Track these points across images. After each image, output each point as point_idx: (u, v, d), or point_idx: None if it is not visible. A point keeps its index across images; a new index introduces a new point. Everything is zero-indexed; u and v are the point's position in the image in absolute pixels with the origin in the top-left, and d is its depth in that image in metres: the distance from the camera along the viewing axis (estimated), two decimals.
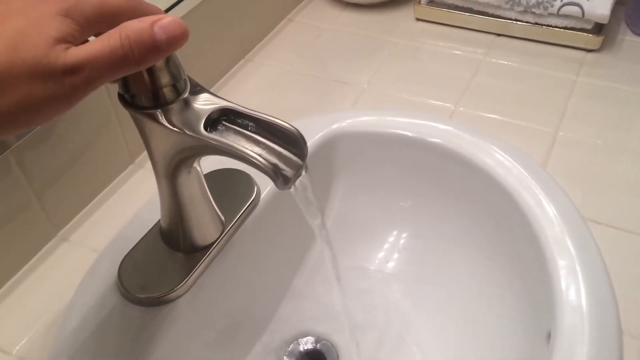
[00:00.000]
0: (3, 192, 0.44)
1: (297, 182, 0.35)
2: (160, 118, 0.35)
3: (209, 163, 0.48)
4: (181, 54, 0.36)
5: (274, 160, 0.34)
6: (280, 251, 0.53)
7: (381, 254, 0.55)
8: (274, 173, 0.34)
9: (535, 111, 0.57)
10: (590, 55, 0.64)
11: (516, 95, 0.60)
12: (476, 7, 0.68)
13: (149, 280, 0.43)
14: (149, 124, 0.35)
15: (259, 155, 0.34)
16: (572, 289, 0.41)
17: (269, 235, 0.51)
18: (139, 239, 0.45)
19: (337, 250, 0.43)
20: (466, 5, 0.68)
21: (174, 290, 0.42)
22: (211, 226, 0.45)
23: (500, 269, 0.49)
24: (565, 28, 0.64)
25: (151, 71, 0.33)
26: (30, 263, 0.47)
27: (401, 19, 0.73)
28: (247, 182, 0.49)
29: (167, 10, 0.53)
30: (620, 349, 0.39)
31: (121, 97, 0.35)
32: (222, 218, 0.46)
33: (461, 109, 0.58)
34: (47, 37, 0.25)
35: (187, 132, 0.34)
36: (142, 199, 0.51)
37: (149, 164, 0.55)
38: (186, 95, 0.35)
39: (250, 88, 0.64)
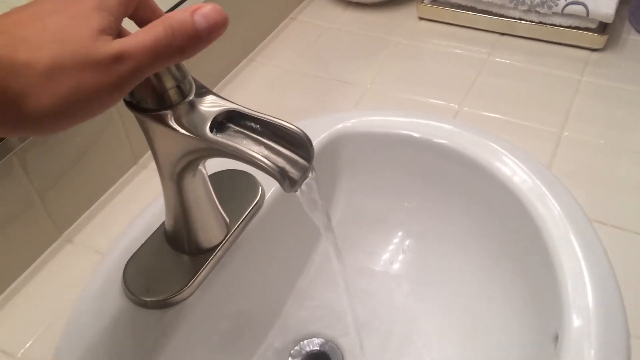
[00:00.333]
0: (6, 194, 0.44)
1: (304, 185, 0.35)
2: (165, 120, 0.34)
3: (213, 164, 0.48)
4: None
5: (280, 162, 0.34)
6: (284, 252, 0.53)
7: (386, 255, 0.55)
8: (281, 176, 0.34)
9: (540, 111, 0.57)
10: (594, 55, 0.64)
11: (520, 95, 0.59)
12: (480, 6, 0.68)
13: (154, 283, 0.43)
14: (155, 127, 0.35)
15: (265, 157, 0.34)
16: (579, 290, 0.41)
17: (273, 237, 0.51)
18: (143, 241, 0.45)
19: (342, 251, 0.42)
20: (470, 4, 0.68)
21: (180, 293, 0.42)
22: (216, 228, 0.44)
23: (505, 270, 0.49)
24: (569, 27, 0.64)
25: (153, 74, 0.33)
26: (34, 265, 0.47)
27: (404, 18, 0.73)
28: (251, 184, 0.49)
29: (173, 9, 0.53)
30: (628, 351, 0.39)
31: (126, 100, 0.35)
32: (227, 220, 0.46)
33: (465, 109, 0.58)
34: (90, 29, 0.26)
35: (192, 134, 0.34)
36: (146, 200, 0.50)
37: (152, 165, 0.55)
38: (192, 97, 0.35)
39: (252, 88, 0.64)
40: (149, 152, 0.56)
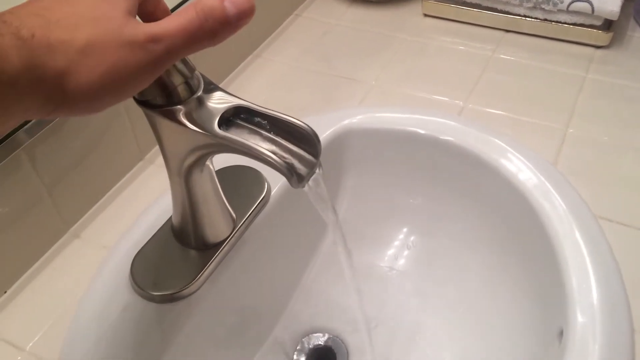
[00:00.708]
0: (15, 189, 0.44)
1: (311, 180, 0.36)
2: (174, 116, 0.35)
3: (220, 160, 0.48)
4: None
5: (288, 158, 0.34)
6: (290, 248, 0.54)
7: (391, 251, 0.56)
8: (289, 171, 0.34)
9: (545, 108, 0.57)
10: (599, 52, 0.64)
11: (525, 92, 0.60)
12: (485, 3, 0.68)
13: (162, 277, 0.43)
14: (163, 122, 0.35)
15: (273, 153, 0.34)
16: (584, 287, 0.41)
17: (279, 232, 0.51)
18: (150, 236, 0.46)
19: (349, 247, 0.43)
20: (475, 1, 0.68)
21: (187, 288, 0.42)
22: (223, 224, 0.45)
23: (510, 266, 0.49)
24: (574, 24, 0.64)
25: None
26: (41, 259, 0.47)
27: (408, 14, 0.73)
28: (257, 179, 0.50)
29: (174, 10, 0.53)
30: (632, 347, 0.39)
31: (134, 97, 0.35)
32: (234, 215, 0.46)
33: (470, 105, 0.58)
34: (119, 11, 0.27)
35: (200, 130, 0.35)
36: (153, 195, 0.51)
37: (159, 160, 0.56)
38: (200, 93, 0.35)
39: (258, 84, 0.64)
40: (156, 148, 0.57)
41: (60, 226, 0.49)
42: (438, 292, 0.52)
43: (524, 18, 0.66)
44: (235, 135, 0.35)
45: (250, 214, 0.47)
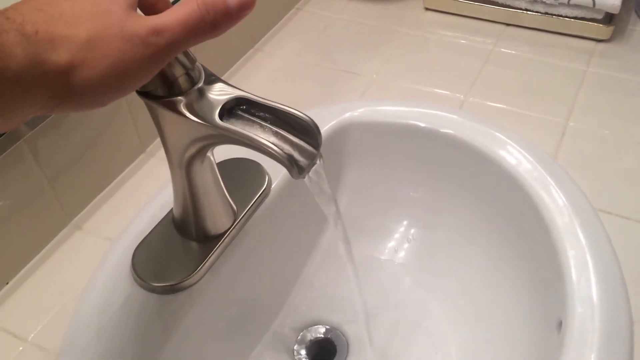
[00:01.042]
0: (17, 180, 0.44)
1: (312, 172, 0.36)
2: (175, 107, 0.35)
3: (220, 152, 0.48)
4: None
5: (288, 149, 0.35)
6: (291, 240, 0.54)
7: (391, 244, 0.56)
8: (289, 162, 0.34)
9: (546, 102, 0.57)
10: (600, 46, 0.64)
11: (526, 86, 0.60)
12: None
13: (163, 269, 0.43)
14: (165, 113, 0.35)
15: (273, 144, 0.34)
16: (583, 278, 0.41)
17: (280, 225, 0.51)
18: (152, 228, 0.46)
19: (349, 240, 0.43)
20: None
21: (188, 279, 0.43)
22: (223, 215, 0.45)
23: (510, 258, 0.49)
24: (575, 18, 0.64)
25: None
26: (43, 251, 0.48)
27: (410, 8, 0.73)
28: (258, 172, 0.50)
29: (174, 3, 0.53)
30: (631, 337, 0.39)
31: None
32: (234, 207, 0.46)
33: (471, 99, 0.58)
34: (121, 4, 0.27)
35: (201, 121, 0.35)
36: (154, 187, 0.51)
37: (160, 153, 0.56)
38: (201, 84, 0.35)
39: (259, 78, 0.64)
40: (157, 141, 0.57)
41: (62, 218, 0.49)
42: (438, 284, 0.53)
43: (525, 12, 0.66)
44: (236, 126, 0.35)
45: (251, 206, 0.47)
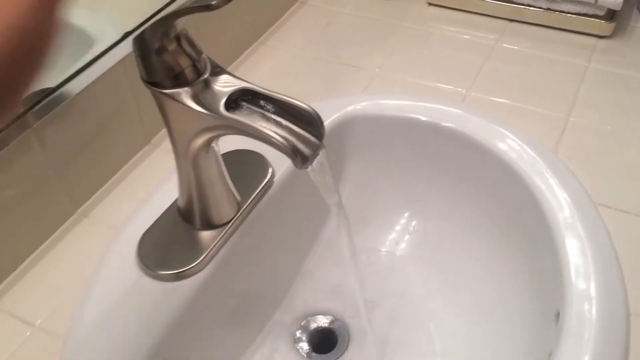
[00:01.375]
0: (24, 169, 0.45)
1: (315, 162, 0.36)
2: (181, 98, 0.36)
3: (225, 144, 0.49)
4: (195, 37, 0.37)
5: (292, 140, 0.35)
6: (293, 231, 0.54)
7: (392, 236, 0.56)
8: (293, 152, 0.35)
9: (547, 97, 0.58)
10: (602, 42, 0.65)
11: (528, 81, 0.60)
12: None
13: (167, 257, 0.44)
14: (171, 104, 0.36)
15: (277, 134, 0.35)
16: (581, 270, 0.42)
17: (283, 216, 0.52)
18: (157, 217, 0.46)
19: (350, 232, 0.43)
20: None
21: (192, 267, 0.43)
22: (227, 205, 0.46)
23: (510, 251, 0.50)
24: (577, 14, 0.65)
25: (169, 53, 0.34)
26: (50, 239, 0.48)
27: (413, 3, 0.73)
28: (261, 163, 0.50)
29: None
30: (627, 330, 0.40)
31: (144, 79, 0.36)
32: (238, 198, 0.47)
33: (473, 93, 0.59)
34: None
35: (207, 111, 0.35)
36: (158, 177, 0.51)
37: (164, 144, 0.56)
38: (207, 76, 0.36)
39: (262, 71, 0.65)
40: (161, 132, 0.57)
41: (68, 206, 0.50)
42: (439, 275, 0.53)
43: (527, 7, 0.66)
44: (241, 117, 0.36)
45: (254, 197, 0.48)
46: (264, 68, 0.65)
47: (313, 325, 0.54)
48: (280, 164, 0.51)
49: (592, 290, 0.41)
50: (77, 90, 0.47)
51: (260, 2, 0.68)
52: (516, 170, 0.49)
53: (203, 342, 0.47)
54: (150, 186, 0.51)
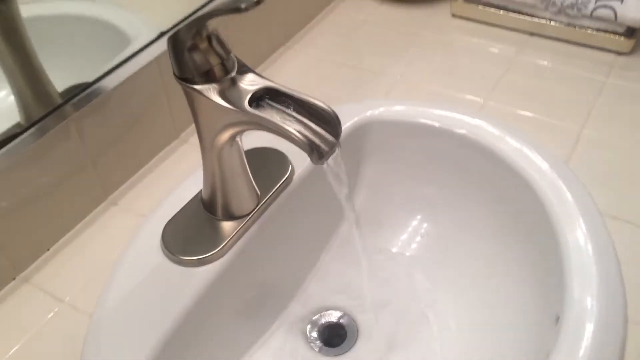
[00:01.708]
0: (63, 156, 0.48)
1: (330, 159, 0.39)
2: (209, 93, 0.38)
3: (249, 141, 0.52)
4: (227, 36, 0.39)
5: (310, 136, 0.38)
6: (310, 228, 0.57)
7: (404, 237, 0.59)
8: (310, 148, 0.37)
9: (563, 109, 0.59)
10: (621, 59, 0.66)
11: (545, 93, 0.62)
12: (511, 6, 0.70)
13: (189, 244, 0.47)
14: (199, 98, 0.39)
15: (297, 131, 0.37)
16: (584, 279, 0.43)
17: (300, 213, 0.54)
18: (181, 207, 0.49)
19: (364, 233, 0.46)
20: (502, 3, 0.70)
21: (212, 254, 0.46)
22: (248, 198, 0.48)
23: (516, 256, 0.51)
24: (597, 30, 0.66)
25: (200, 51, 0.37)
26: (82, 222, 0.52)
27: (437, 14, 0.75)
28: (282, 161, 0.53)
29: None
30: (624, 335, 0.41)
31: (176, 75, 0.39)
32: (258, 192, 0.49)
33: (490, 103, 0.61)
34: None
35: (232, 107, 0.38)
36: (185, 170, 0.55)
37: (192, 139, 0.60)
38: (234, 74, 0.39)
39: (288, 74, 0.68)
40: (190, 127, 0.61)
41: (100, 194, 0.53)
42: (446, 277, 0.55)
43: (548, 22, 0.68)
44: (264, 113, 0.38)
45: (273, 192, 0.50)
46: (291, 70, 0.68)
47: (324, 320, 0.56)
48: (300, 163, 0.53)
49: (593, 298, 0.42)
50: (113, 85, 0.51)
51: (291, 8, 0.71)
52: (526, 179, 0.50)
53: (218, 327, 0.49)
54: (177, 178, 0.54)
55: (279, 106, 0.39)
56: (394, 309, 0.55)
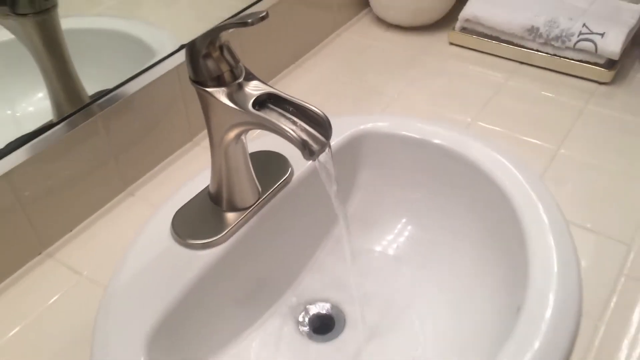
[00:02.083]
0: (90, 149, 0.55)
1: (321, 157, 0.45)
2: (218, 95, 0.45)
3: (255, 144, 0.58)
4: (241, 52, 0.46)
5: (303, 136, 0.44)
6: (306, 225, 0.62)
7: (390, 237, 0.64)
8: (302, 145, 0.43)
9: (542, 130, 0.65)
10: (601, 88, 0.71)
11: (527, 116, 0.67)
12: (503, 37, 0.76)
13: (195, 230, 0.53)
14: (210, 100, 0.45)
15: (292, 130, 0.43)
16: (545, 276, 0.49)
17: (298, 211, 0.60)
18: (190, 198, 0.56)
19: (355, 233, 0.51)
20: (494, 34, 0.76)
21: (215, 239, 0.52)
22: (249, 192, 0.54)
23: (489, 256, 0.57)
24: (580, 61, 0.72)
25: (213, 59, 0.44)
26: (102, 209, 0.58)
27: (436, 42, 0.82)
28: (283, 163, 0.59)
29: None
30: (576, 327, 0.46)
31: (192, 79, 0.46)
32: (259, 187, 0.55)
33: (477, 122, 0.67)
34: None
35: (238, 108, 0.44)
36: (196, 169, 0.61)
37: (205, 142, 0.66)
38: (241, 80, 0.45)
39: (295, 90, 0.74)
40: (203, 132, 0.67)
41: (119, 185, 0.60)
42: (428, 275, 0.60)
43: (536, 52, 0.74)
44: (265, 114, 0.44)
45: (274, 189, 0.56)
46: (298, 86, 0.75)
47: (315, 310, 0.61)
48: (300, 166, 0.59)
49: (552, 292, 0.47)
50: (136, 89, 0.57)
51: (301, 30, 0.78)
52: (502, 188, 0.56)
53: (217, 307, 0.54)
54: (188, 175, 0.60)
55: (279, 109, 0.45)
56: (380, 304, 0.60)
